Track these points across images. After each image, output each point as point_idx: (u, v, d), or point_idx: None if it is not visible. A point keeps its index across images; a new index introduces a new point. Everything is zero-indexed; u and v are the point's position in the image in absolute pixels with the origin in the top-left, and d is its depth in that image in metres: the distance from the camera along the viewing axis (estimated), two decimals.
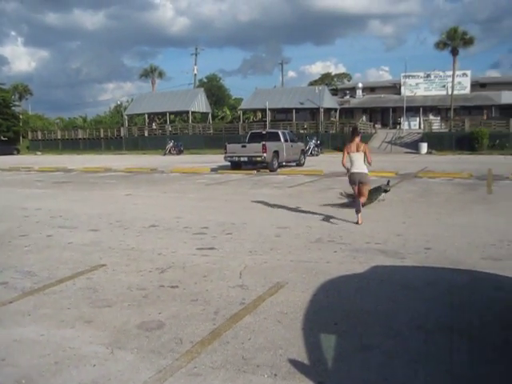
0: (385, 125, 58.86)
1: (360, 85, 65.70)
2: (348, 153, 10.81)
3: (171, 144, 45.42)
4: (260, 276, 6.59)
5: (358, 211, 10.27)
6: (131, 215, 11.59)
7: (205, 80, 78.75)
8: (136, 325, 5.00)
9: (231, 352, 4.36)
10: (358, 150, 10.73)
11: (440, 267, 7.02)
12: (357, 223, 10.14)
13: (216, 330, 4.83)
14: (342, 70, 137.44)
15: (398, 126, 53.94)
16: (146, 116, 62.06)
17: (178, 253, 7.93)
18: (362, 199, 10.72)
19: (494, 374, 4.02)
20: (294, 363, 4.16)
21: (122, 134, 59.37)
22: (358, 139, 10.82)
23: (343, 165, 10.98)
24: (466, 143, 41.32)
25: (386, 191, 13.43)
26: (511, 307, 5.31)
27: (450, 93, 51.63)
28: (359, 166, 10.74)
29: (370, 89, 65.72)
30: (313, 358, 4.25)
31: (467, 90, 58.38)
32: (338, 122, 51.78)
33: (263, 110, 56.07)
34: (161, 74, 69.66)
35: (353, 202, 11.40)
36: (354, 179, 10.77)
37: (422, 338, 4.68)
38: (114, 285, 6.32)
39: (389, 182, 13.93)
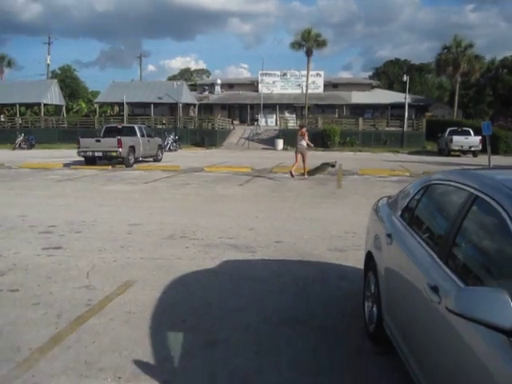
0: (243, 121, 59.81)
1: (219, 81, 66.21)
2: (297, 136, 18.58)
3: (21, 138, 42.62)
4: (108, 275, 6.37)
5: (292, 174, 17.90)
6: None
7: (58, 71, 74.88)
8: None
9: (73, 357, 4.15)
10: (302, 135, 18.24)
11: (289, 260, 7.25)
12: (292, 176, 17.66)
13: (58, 334, 4.58)
14: (202, 66, 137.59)
15: (255, 123, 55.02)
16: None
17: (21, 254, 7.42)
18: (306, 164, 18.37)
19: (335, 360, 4.20)
20: (140, 364, 4.05)
21: None
22: (303, 129, 18.72)
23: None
24: (319, 140, 43.11)
25: (333, 166, 19.82)
26: (353, 295, 5.58)
27: (304, 92, 53.62)
28: (302, 143, 18.20)
29: (228, 85, 66.44)
30: (159, 358, 4.18)
31: (321, 90, 60.94)
32: (197, 117, 51.77)
33: (121, 104, 54.42)
34: (10, 63, 65.20)
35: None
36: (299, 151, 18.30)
37: (268, 329, 4.79)
38: None
39: (335, 161, 20.46)
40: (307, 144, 18.32)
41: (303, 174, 18.41)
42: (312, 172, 18.95)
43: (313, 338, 4.61)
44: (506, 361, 2.06)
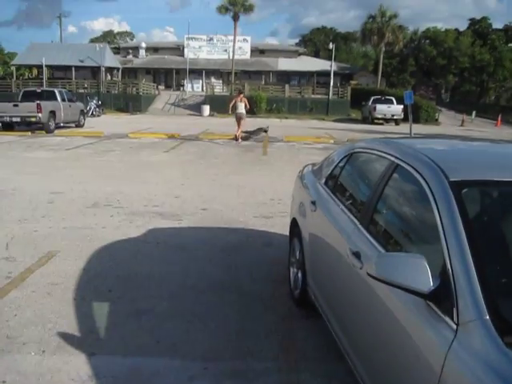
0: (168, 86, 58.74)
1: (143, 45, 64.44)
2: (235, 102, 19.91)
3: None
4: (29, 246, 6.17)
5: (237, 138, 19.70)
6: None
7: None
8: None
9: None
10: (241, 101, 19.72)
11: (215, 227, 7.27)
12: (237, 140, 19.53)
13: None
14: (125, 28, 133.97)
15: (181, 88, 54.17)
16: None
17: None
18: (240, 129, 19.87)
19: (262, 325, 4.28)
20: (64, 336, 3.98)
21: None
22: (241, 95, 20.40)
23: (230, 108, 20.38)
24: None
25: (265, 131, 21.75)
26: (279, 262, 5.68)
27: (231, 57, 53.19)
28: (241, 109, 19.73)
29: (153, 49, 64.82)
30: (85, 329, 4.12)
31: (247, 56, 60.64)
32: (121, 82, 50.34)
33: (40, 67, 52.08)
34: None
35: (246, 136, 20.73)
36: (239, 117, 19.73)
37: (195, 296, 4.81)
38: None
39: (268, 126, 22.53)
40: (245, 108, 20.01)
41: (236, 139, 19.93)
42: (245, 137, 20.69)
43: (240, 305, 4.67)
44: (424, 323, 2.16)
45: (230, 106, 20.44)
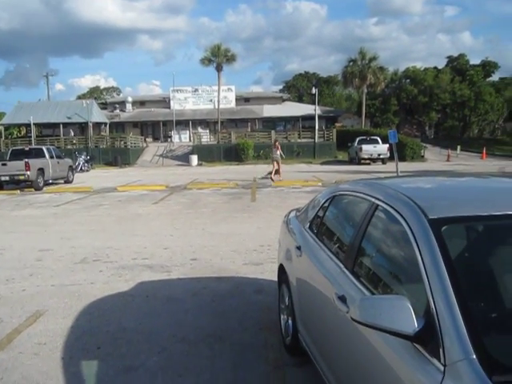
0: (156, 138, 59.29)
1: (130, 99, 65.27)
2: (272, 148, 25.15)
3: None
4: (17, 306, 6.08)
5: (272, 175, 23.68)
6: None
7: None
8: None
9: None
10: (275, 148, 24.45)
11: (205, 277, 7.21)
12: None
13: None
14: (112, 83, 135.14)
15: (169, 140, 54.63)
16: None
17: None
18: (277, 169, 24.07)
19: (255, 374, 4.20)
20: None
21: None
22: (277, 143, 25.30)
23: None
24: (234, 154, 43.47)
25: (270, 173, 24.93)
26: (269, 309, 5.62)
27: (216, 107, 53.84)
28: (276, 154, 24.26)
29: (140, 103, 65.58)
30: None
31: (233, 104, 61.50)
32: (109, 136, 50.71)
33: (28, 125, 52.54)
34: None
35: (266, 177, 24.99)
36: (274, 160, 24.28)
37: (186, 349, 4.73)
38: None
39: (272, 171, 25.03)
40: (280, 154, 24.57)
41: (271, 178, 23.75)
42: (263, 177, 25.16)
43: (232, 355, 4.59)
44: (412, 365, 2.14)
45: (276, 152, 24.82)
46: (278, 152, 24.51)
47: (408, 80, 61.17)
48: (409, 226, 2.58)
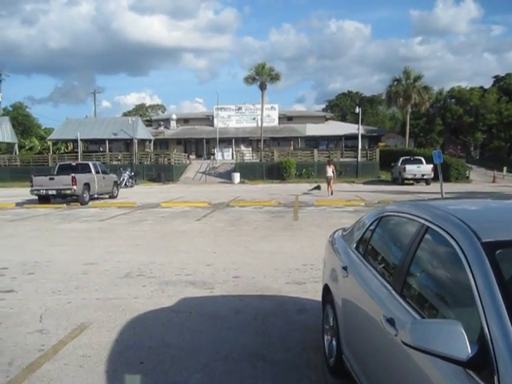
0: (199, 156, 59.89)
1: (174, 116, 66.32)
2: (326, 168, 26.80)
3: None
4: (63, 318, 6.19)
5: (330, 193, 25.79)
6: None
7: (10, 108, 73.72)
8: None
9: None
10: (329, 167, 26.60)
11: (247, 295, 7.19)
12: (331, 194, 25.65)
13: (9, 383, 4.39)
14: (157, 101, 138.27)
15: (211, 157, 55.19)
16: None
17: None
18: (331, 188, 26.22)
19: None
20: None
21: None
22: (330, 163, 27.62)
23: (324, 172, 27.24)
24: (276, 172, 43.57)
25: (319, 188, 29.35)
26: (312, 328, 5.57)
27: (260, 125, 54.13)
28: (330, 173, 26.33)
29: (184, 120, 66.58)
30: None
31: (276, 123, 61.77)
32: (153, 153, 51.53)
33: (75, 141, 53.86)
34: None
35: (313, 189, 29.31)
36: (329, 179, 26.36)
37: (228, 367, 4.71)
38: None
39: (319, 185, 29.95)
40: (333, 172, 26.66)
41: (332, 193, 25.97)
42: (307, 193, 28.27)
43: (274, 374, 4.55)
44: None
45: (323, 172, 27.95)
46: (331, 170, 26.42)
47: (453, 100, 60.40)
48: (461, 249, 2.53)
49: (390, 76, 63.49)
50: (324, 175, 27.35)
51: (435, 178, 29.79)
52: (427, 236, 3.02)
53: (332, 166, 26.92)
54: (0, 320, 6.16)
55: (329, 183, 26.34)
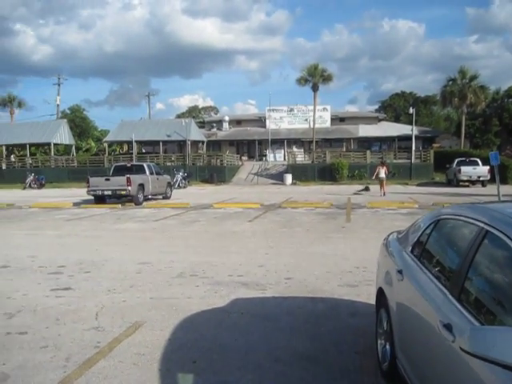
0: (251, 157, 60.18)
1: (226, 118, 66.85)
2: (378, 169, 27.73)
3: (32, 177, 43.00)
4: (117, 316, 6.32)
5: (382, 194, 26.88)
6: None
7: (68, 111, 75.95)
8: None
9: None
10: (382, 168, 27.50)
11: (299, 296, 7.17)
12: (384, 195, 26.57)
13: (66, 378, 4.50)
14: (209, 103, 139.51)
15: (263, 158, 55.39)
16: (4, 148, 58.51)
17: (30, 295, 7.40)
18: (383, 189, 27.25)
19: None
20: None
21: None
22: (383, 164, 28.67)
23: (375, 174, 28.39)
24: (328, 174, 43.32)
25: (368, 189, 30.54)
26: (365, 332, 5.49)
27: (312, 126, 53.94)
28: (382, 174, 27.40)
29: (236, 122, 67.02)
30: None
31: (328, 124, 61.36)
32: (206, 154, 52.10)
33: (130, 143, 55.04)
34: (20, 104, 66.19)
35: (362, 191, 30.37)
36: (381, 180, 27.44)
37: (280, 369, 4.69)
38: None
39: (368, 185, 31.77)
40: (385, 173, 27.75)
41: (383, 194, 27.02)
42: (357, 193, 29.27)
43: (326, 378, 4.51)
44: None
45: (375, 173, 28.28)
46: (383, 172, 27.49)
47: (511, 99, 58.48)
48: None
49: (445, 76, 62.09)
50: (376, 176, 28.19)
51: (492, 180, 28.95)
52: (486, 240, 2.93)
53: (385, 168, 27.88)
54: (58, 316, 6.34)
55: (381, 184, 27.34)
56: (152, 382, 4.42)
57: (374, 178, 29.05)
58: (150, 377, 4.53)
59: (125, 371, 4.65)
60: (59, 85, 67.08)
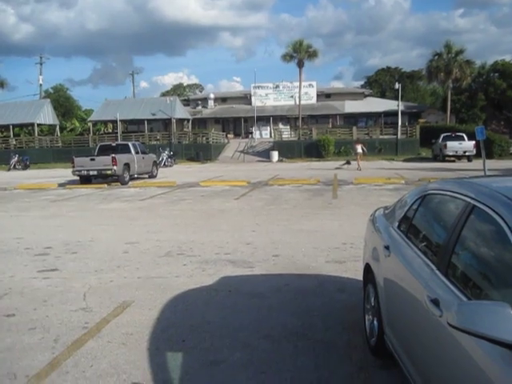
0: (237, 134, 59.90)
1: (212, 95, 66.39)
2: (355, 145, 31.29)
3: (16, 158, 42.48)
4: (105, 296, 6.30)
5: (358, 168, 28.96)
6: None
7: (51, 91, 74.87)
8: None
9: (71, 383, 4.07)
10: (357, 145, 30.72)
11: (287, 273, 7.19)
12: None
13: (55, 359, 4.50)
14: (194, 80, 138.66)
15: (249, 136, 55.14)
16: None
17: (17, 277, 7.36)
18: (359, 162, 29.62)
19: (338, 375, 4.14)
20: None
21: None
22: (358, 142, 32.30)
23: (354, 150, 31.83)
24: (314, 150, 43.27)
25: (349, 163, 32.17)
26: (353, 308, 5.53)
27: (297, 103, 53.70)
28: (359, 150, 30.32)
29: (221, 99, 66.58)
30: (158, 380, 4.11)
31: (314, 100, 61.15)
32: (191, 132, 51.78)
33: (114, 122, 54.50)
34: (2, 84, 64.94)
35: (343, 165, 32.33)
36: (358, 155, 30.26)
37: (269, 346, 4.71)
38: None
39: (349, 160, 33.20)
40: (362, 149, 30.74)
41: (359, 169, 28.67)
42: (339, 167, 31.06)
43: (314, 354, 4.54)
44: (511, 375, 2.01)
45: (353, 149, 32.29)
46: (360, 148, 30.45)
47: (496, 74, 58.36)
48: (509, 228, 2.44)
49: (431, 50, 62.13)
50: (354, 152, 31.70)
51: (478, 155, 29.11)
52: (473, 215, 2.92)
53: (361, 144, 31.31)
54: (46, 298, 6.31)
55: (358, 158, 30.18)
56: (141, 362, 4.42)
57: (353, 154, 32.40)
58: (139, 356, 4.53)
59: (113, 351, 4.65)
60: (41, 64, 66.22)
